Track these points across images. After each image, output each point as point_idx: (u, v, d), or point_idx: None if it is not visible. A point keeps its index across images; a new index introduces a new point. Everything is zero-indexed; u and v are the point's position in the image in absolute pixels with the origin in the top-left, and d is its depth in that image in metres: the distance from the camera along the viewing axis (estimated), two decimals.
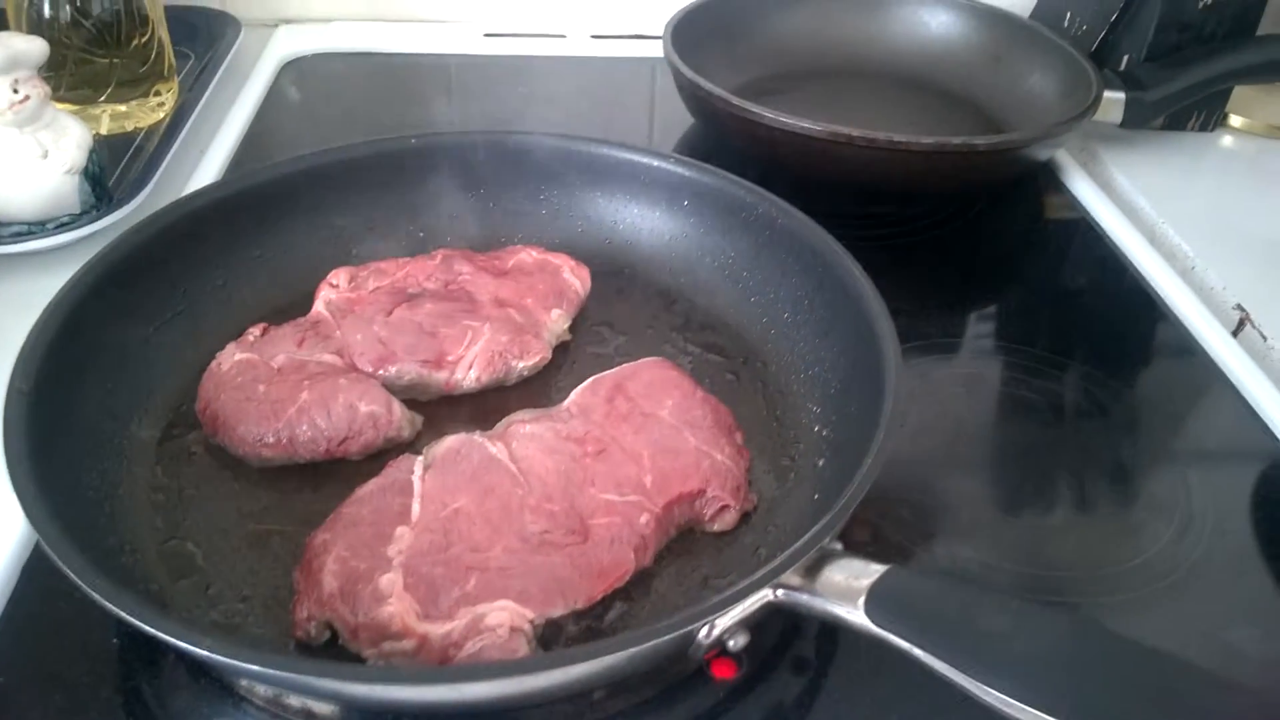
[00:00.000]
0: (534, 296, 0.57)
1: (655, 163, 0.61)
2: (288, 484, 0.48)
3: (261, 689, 0.40)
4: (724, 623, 0.37)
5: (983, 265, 0.71)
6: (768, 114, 0.66)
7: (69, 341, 0.47)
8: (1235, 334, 0.64)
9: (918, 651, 0.34)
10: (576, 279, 0.59)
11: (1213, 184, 0.77)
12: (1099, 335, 0.63)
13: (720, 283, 0.60)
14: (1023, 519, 0.51)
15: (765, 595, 0.38)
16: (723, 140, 0.74)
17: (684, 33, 0.78)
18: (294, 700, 0.40)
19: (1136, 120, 0.77)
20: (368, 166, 0.62)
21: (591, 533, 0.44)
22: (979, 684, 0.32)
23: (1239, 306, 0.64)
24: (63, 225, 0.62)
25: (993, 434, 0.56)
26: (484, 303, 0.56)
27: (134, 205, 0.64)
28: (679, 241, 0.62)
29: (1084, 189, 0.75)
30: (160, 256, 0.54)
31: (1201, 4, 0.77)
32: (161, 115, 0.75)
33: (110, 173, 0.68)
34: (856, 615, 0.36)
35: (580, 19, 0.93)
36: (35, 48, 0.60)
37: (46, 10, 0.69)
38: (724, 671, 0.42)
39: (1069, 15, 0.87)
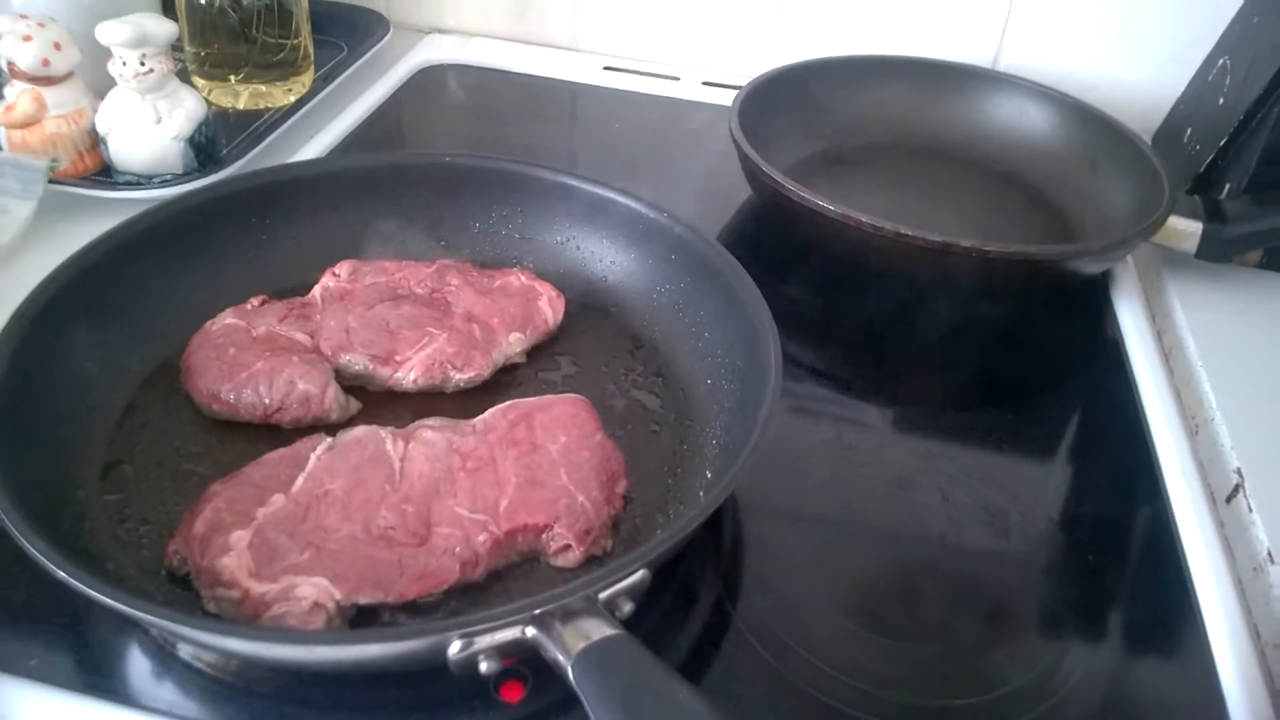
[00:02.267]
0: (501, 317, 0.61)
1: (651, 214, 0.64)
2: (226, 436, 0.56)
3: None
4: (483, 643, 0.41)
5: (1002, 372, 0.69)
6: (784, 183, 0.68)
7: (91, 282, 0.56)
8: (1229, 500, 0.60)
9: None
10: (550, 309, 0.63)
11: (1276, 331, 0.71)
12: (1075, 471, 0.61)
13: (684, 338, 0.63)
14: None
15: (514, 632, 0.40)
16: (770, 214, 0.76)
17: (763, 94, 0.80)
18: None
19: (1213, 254, 0.73)
20: (410, 176, 0.68)
21: (431, 539, 0.48)
22: None
23: (1238, 471, 0.60)
24: (165, 182, 0.73)
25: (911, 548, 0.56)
26: (456, 314, 0.62)
27: (225, 174, 0.74)
28: (661, 293, 0.65)
29: (1129, 313, 0.71)
30: (200, 224, 0.63)
31: None
32: (292, 99, 0.85)
33: (231, 142, 0.79)
34: (567, 672, 0.38)
35: (696, 64, 0.97)
36: (165, 29, 0.71)
37: None
38: (511, 694, 0.46)
39: (1189, 132, 0.82)
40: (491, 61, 0.98)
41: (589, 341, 0.64)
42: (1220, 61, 0.81)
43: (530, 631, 0.40)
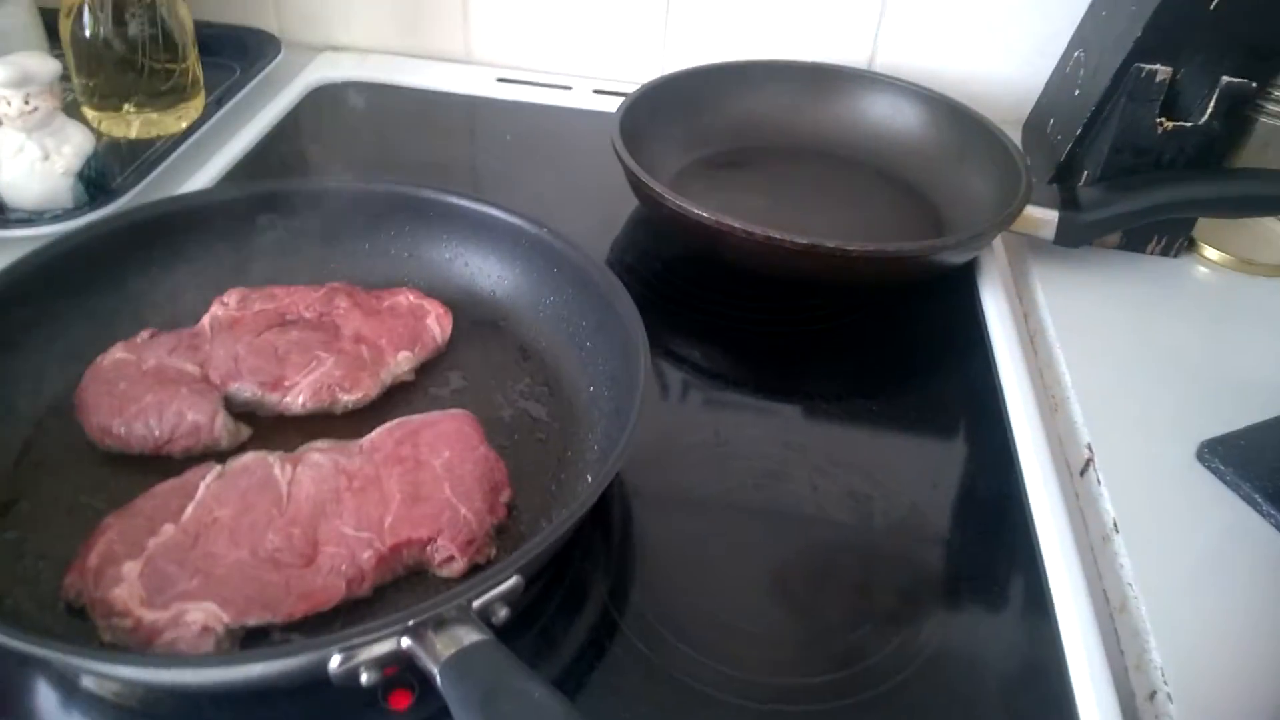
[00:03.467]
0: (389, 337, 0.64)
1: (533, 230, 0.67)
2: (120, 469, 0.57)
3: None
4: (362, 656, 0.43)
5: (872, 362, 0.73)
6: (663, 193, 0.71)
7: None
8: (1083, 473, 0.64)
9: None
10: (438, 326, 0.65)
11: (1136, 312, 0.76)
12: (932, 455, 0.65)
13: (569, 349, 0.65)
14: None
15: (391, 644, 0.43)
16: (654, 221, 0.79)
17: (646, 103, 0.83)
18: None
19: (1070, 240, 0.77)
20: (298, 202, 0.70)
21: (317, 559, 0.50)
22: None
23: (1089, 446, 0.64)
24: (56, 217, 0.74)
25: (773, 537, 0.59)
26: (345, 336, 0.64)
27: (116, 206, 0.75)
28: (546, 306, 0.67)
29: (993, 299, 0.75)
30: (87, 260, 0.64)
31: (1161, 129, 0.76)
32: (184, 126, 0.86)
33: (123, 171, 0.80)
34: (436, 680, 0.41)
35: (587, 72, 1.00)
36: (47, 68, 0.72)
37: (87, 29, 0.80)
38: (399, 702, 0.48)
39: (1051, 123, 0.86)
40: (386, 77, 0.99)
41: (478, 355, 0.66)
42: (1076, 54, 0.85)
43: (405, 642, 0.43)
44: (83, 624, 0.49)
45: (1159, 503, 0.61)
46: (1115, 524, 0.60)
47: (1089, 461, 0.64)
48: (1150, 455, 0.64)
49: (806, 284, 0.73)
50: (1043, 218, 0.76)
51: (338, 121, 0.95)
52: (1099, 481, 0.62)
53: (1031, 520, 0.59)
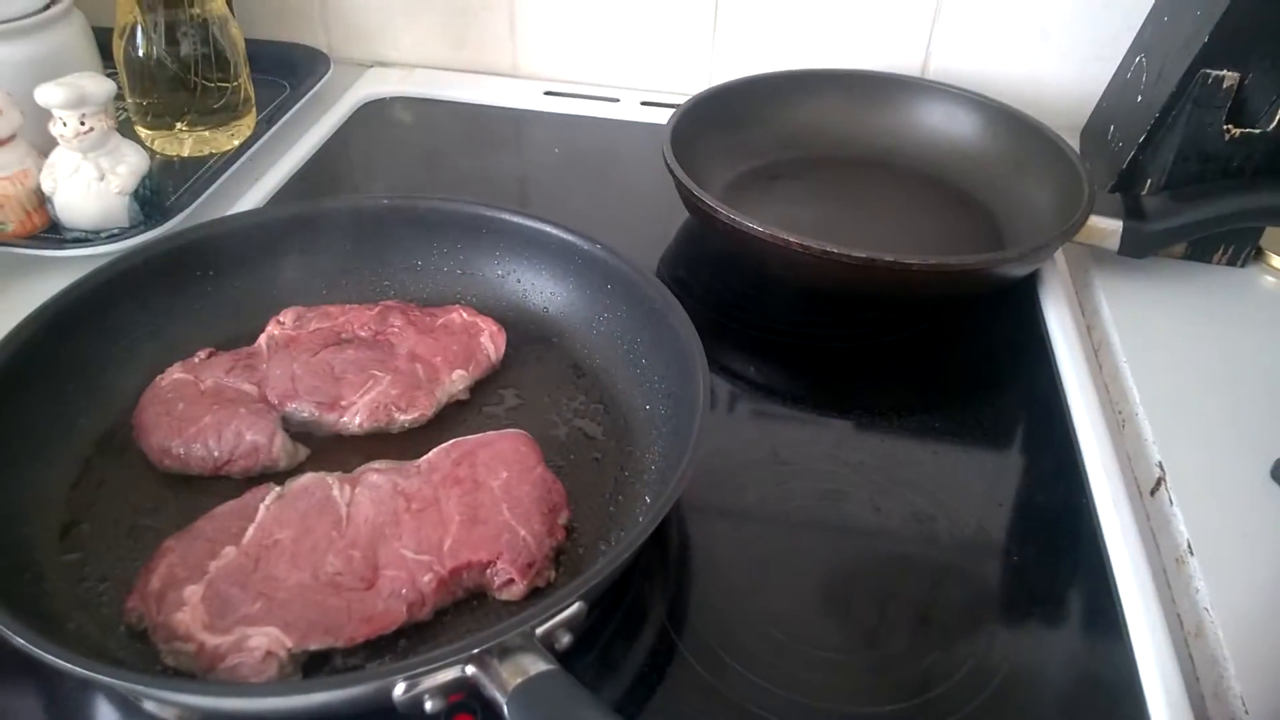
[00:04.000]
0: (444, 355, 0.63)
1: (585, 246, 0.66)
2: (179, 490, 0.57)
3: None
4: (426, 684, 0.43)
5: (932, 377, 0.71)
6: (716, 206, 0.70)
7: (42, 346, 0.58)
8: (1153, 492, 0.62)
9: None
10: (492, 344, 0.65)
11: (1203, 324, 0.74)
12: (997, 472, 0.63)
13: (623, 366, 0.64)
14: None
15: (455, 672, 0.43)
16: (706, 233, 0.78)
17: (696, 115, 0.82)
18: None
19: (1135, 250, 0.75)
20: (351, 220, 0.70)
21: (378, 582, 0.50)
22: None
23: (1160, 464, 0.63)
24: (112, 236, 0.74)
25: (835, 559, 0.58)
26: (400, 355, 0.63)
27: (172, 224, 0.76)
28: (600, 322, 0.67)
29: (1056, 311, 0.74)
30: (145, 280, 0.64)
31: (1228, 135, 0.74)
32: (236, 144, 0.87)
33: (177, 189, 0.81)
34: (504, 709, 0.40)
35: (634, 84, 0.99)
36: (102, 89, 0.72)
37: (140, 49, 0.81)
38: None
39: (1112, 129, 0.85)
40: (434, 92, 1.00)
41: (532, 373, 0.66)
42: (1137, 59, 0.83)
43: (470, 670, 0.42)
44: (144, 647, 0.49)
45: (1234, 523, 0.59)
46: (1189, 545, 0.58)
47: (1160, 480, 0.62)
48: (1223, 473, 0.62)
49: (864, 298, 0.72)
50: (1107, 228, 0.74)
51: (386, 137, 0.95)
52: (1171, 501, 0.60)
53: (1102, 541, 0.58)
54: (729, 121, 0.85)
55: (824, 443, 0.64)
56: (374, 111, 0.97)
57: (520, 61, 1.02)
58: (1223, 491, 0.61)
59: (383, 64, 1.04)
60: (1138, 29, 0.85)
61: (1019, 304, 0.75)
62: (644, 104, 0.98)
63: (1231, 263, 0.79)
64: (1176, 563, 0.58)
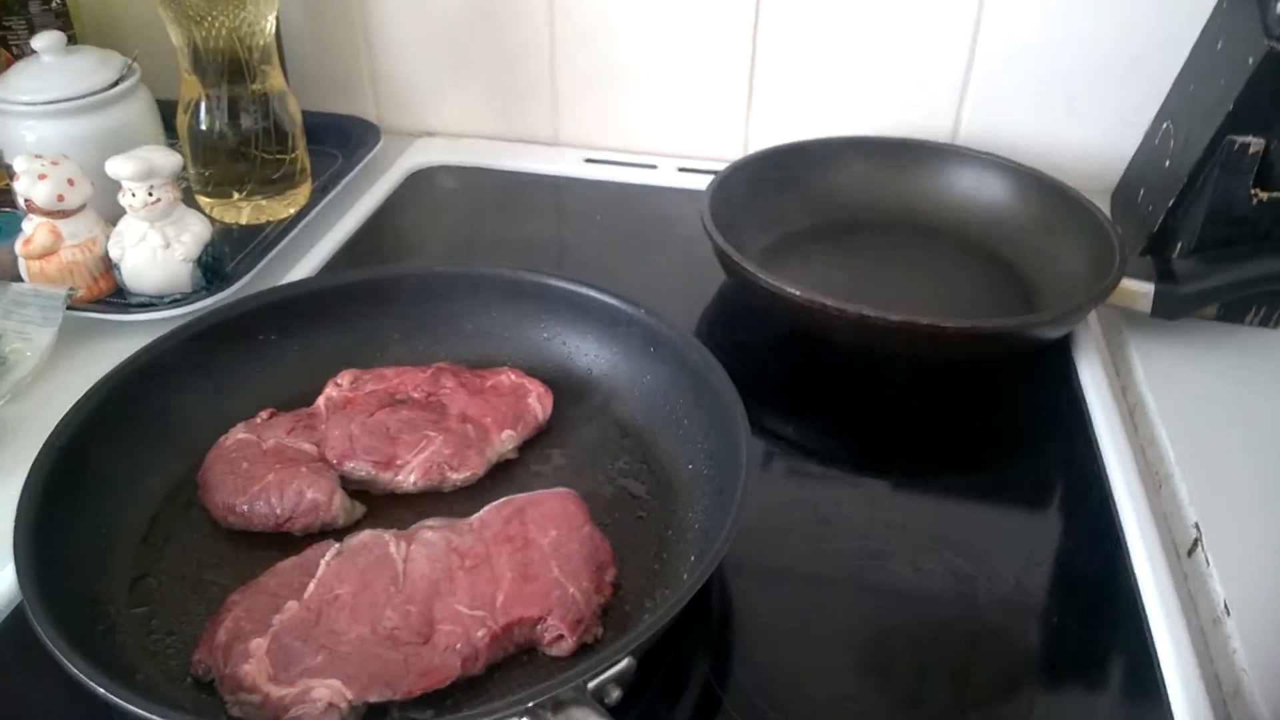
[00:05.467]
0: (494, 416, 0.66)
1: (628, 309, 0.69)
2: (242, 546, 0.60)
3: None
4: None
5: (968, 438, 0.72)
6: (754, 270, 0.72)
7: (114, 406, 0.61)
8: (1190, 553, 0.63)
9: None
10: (539, 405, 0.67)
11: (1238, 385, 0.75)
12: (1034, 532, 0.64)
13: (667, 426, 0.66)
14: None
15: None
16: (744, 296, 0.80)
17: (734, 181, 0.85)
18: None
19: (1168, 312, 0.76)
20: (404, 286, 0.73)
21: (434, 637, 0.52)
22: None
23: (1196, 525, 0.63)
24: (176, 301, 0.78)
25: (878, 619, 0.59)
26: (452, 415, 0.66)
27: (233, 290, 0.79)
28: (643, 383, 0.69)
29: (1090, 372, 0.75)
30: (209, 344, 0.67)
31: (1256, 199, 0.75)
32: (292, 212, 0.90)
33: (235, 256, 0.85)
34: None
35: (672, 151, 1.03)
36: (170, 161, 0.76)
37: (203, 123, 0.85)
38: None
39: (1141, 193, 0.87)
40: (479, 160, 1.03)
41: (578, 433, 0.68)
42: (1164, 125, 0.85)
43: None
44: (210, 698, 0.51)
45: (1270, 584, 0.60)
46: (1226, 606, 0.58)
47: (1196, 541, 0.63)
48: (1259, 534, 0.63)
49: (900, 359, 0.74)
50: (1139, 290, 0.76)
51: (434, 204, 0.99)
52: (1208, 562, 0.61)
53: (1140, 602, 0.58)
54: (766, 187, 0.87)
55: (863, 502, 0.66)
56: (422, 179, 1.01)
57: (561, 130, 1.06)
58: (1259, 552, 0.62)
59: (430, 134, 1.08)
60: (1164, 96, 0.87)
61: (1053, 365, 0.77)
62: (681, 170, 1.01)
63: (1264, 324, 0.81)
64: (1214, 623, 0.59)
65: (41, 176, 0.75)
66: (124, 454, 0.61)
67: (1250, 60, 0.71)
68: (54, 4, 0.96)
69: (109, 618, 0.54)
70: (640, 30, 0.98)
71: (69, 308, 0.75)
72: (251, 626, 0.52)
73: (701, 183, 0.85)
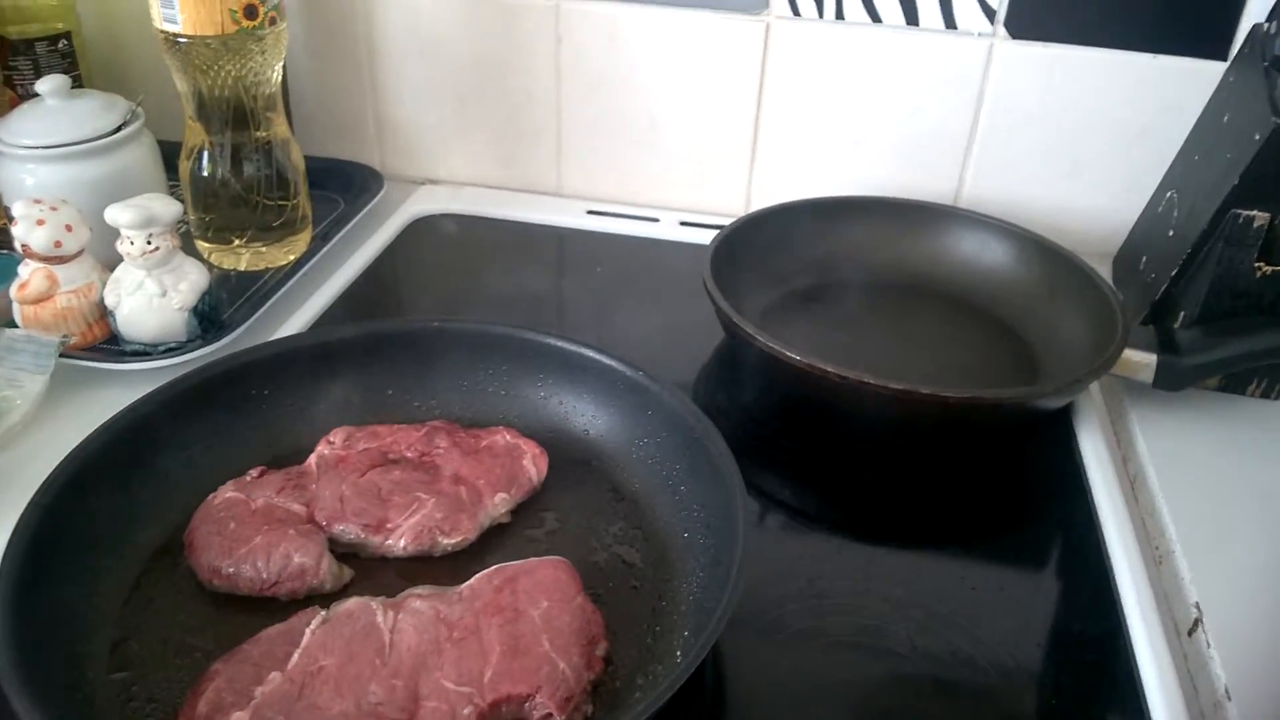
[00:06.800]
0: (488, 478, 0.65)
1: (627, 372, 0.68)
2: (227, 610, 0.58)
3: None
4: None
5: (967, 506, 0.72)
6: (754, 334, 0.72)
7: (102, 464, 0.60)
8: (1190, 633, 0.62)
9: None
10: (534, 467, 0.66)
11: (1240, 458, 0.74)
12: (1034, 609, 0.63)
13: (662, 492, 0.66)
14: None
15: None
16: (743, 356, 0.80)
17: (736, 240, 0.85)
18: None
19: (1169, 384, 0.76)
20: (401, 342, 0.72)
21: (419, 713, 0.51)
22: None
23: (1197, 605, 0.62)
24: (171, 350, 0.77)
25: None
26: (445, 477, 0.65)
27: (229, 340, 0.78)
28: (640, 447, 0.68)
29: (1091, 443, 0.74)
30: (201, 398, 0.66)
31: (1259, 273, 0.75)
32: (292, 259, 0.90)
33: (233, 302, 0.84)
34: None
35: (673, 205, 1.03)
36: (170, 210, 0.76)
37: (205, 170, 0.85)
38: None
39: (1144, 260, 0.86)
40: (481, 210, 1.03)
41: (572, 497, 0.67)
42: (1168, 195, 0.85)
43: None
44: None
45: (1272, 668, 0.59)
46: (1227, 691, 0.57)
47: (1197, 621, 0.62)
48: (1261, 615, 0.62)
49: (897, 427, 0.73)
50: (1141, 360, 0.75)
51: (436, 253, 0.99)
52: (1209, 644, 0.60)
53: (1140, 683, 0.57)
54: (767, 246, 0.87)
55: (860, 573, 0.65)
56: (424, 227, 1.01)
57: (564, 181, 1.05)
58: (1260, 634, 0.61)
59: (434, 181, 1.08)
60: (1168, 164, 0.87)
61: (1054, 433, 0.76)
62: (683, 224, 1.01)
63: (1266, 395, 0.80)
64: (1214, 707, 0.58)
65: (40, 222, 0.75)
66: (110, 511, 0.60)
67: (1257, 136, 0.71)
68: (60, 46, 0.96)
69: (88, 684, 0.53)
70: (646, 84, 0.99)
71: (62, 355, 0.75)
72: (233, 698, 0.51)
73: (703, 237, 0.85)
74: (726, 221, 0.86)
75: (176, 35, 0.79)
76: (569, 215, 1.03)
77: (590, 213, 1.03)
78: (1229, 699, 0.57)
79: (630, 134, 1.01)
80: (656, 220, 1.02)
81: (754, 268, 0.86)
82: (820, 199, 0.92)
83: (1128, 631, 0.61)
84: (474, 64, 1.01)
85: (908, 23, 0.92)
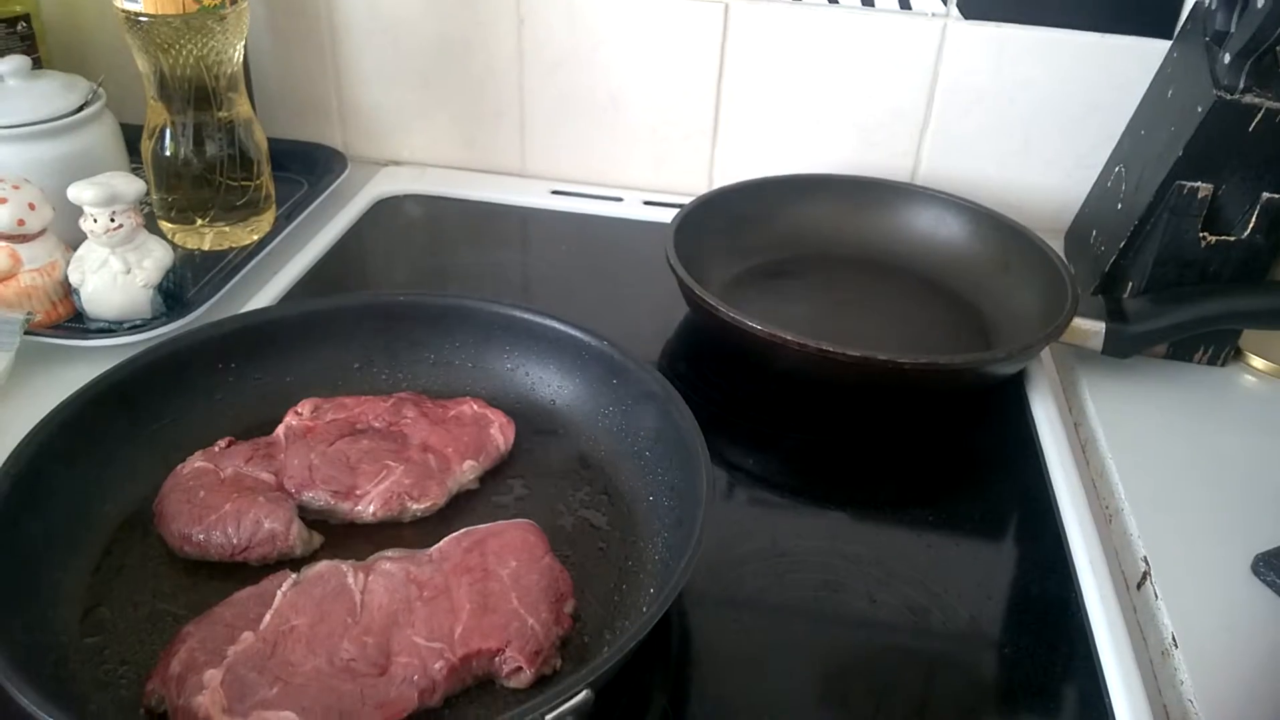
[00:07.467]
0: (455, 446, 0.66)
1: (593, 342, 0.69)
2: (198, 576, 0.59)
3: None
4: None
5: (924, 471, 0.73)
6: (716, 304, 0.73)
7: (71, 434, 0.60)
8: (1139, 586, 0.64)
9: None
10: (501, 436, 0.67)
11: (1186, 422, 0.76)
12: (988, 565, 0.65)
13: (628, 458, 0.67)
14: None
15: None
16: (707, 329, 0.81)
17: (698, 216, 0.86)
18: None
19: (1118, 350, 0.78)
20: (367, 315, 0.73)
21: (390, 669, 0.52)
22: None
23: (1145, 559, 0.65)
24: (135, 327, 0.77)
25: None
26: (413, 446, 0.66)
27: (193, 317, 0.79)
28: (605, 415, 0.69)
29: (1043, 407, 0.76)
30: (169, 371, 0.67)
31: (1204, 243, 0.78)
32: (256, 239, 0.90)
33: (197, 282, 0.84)
34: None
35: (637, 184, 1.04)
36: (133, 188, 0.76)
37: (168, 150, 0.85)
38: None
39: (1094, 234, 0.89)
40: (446, 190, 1.04)
41: (539, 464, 0.68)
42: (1116, 169, 0.88)
43: None
44: None
45: (1216, 617, 0.61)
46: (1174, 638, 0.60)
47: (1145, 574, 0.64)
48: (1206, 568, 0.64)
49: (856, 394, 0.75)
50: (1090, 329, 0.77)
51: (400, 233, 0.99)
52: (1156, 595, 0.62)
53: (1091, 634, 0.60)
54: (729, 222, 0.89)
55: (821, 535, 0.66)
56: (388, 208, 1.01)
57: (528, 162, 1.06)
58: (1206, 586, 0.63)
59: (397, 163, 1.09)
60: (1117, 140, 0.90)
61: (1008, 399, 0.78)
62: (646, 203, 1.02)
63: (1212, 362, 0.83)
64: (1162, 655, 0.60)
65: (2, 201, 0.75)
66: (80, 482, 0.60)
67: (1199, 109, 0.73)
68: (20, 27, 0.95)
69: (61, 648, 0.54)
70: (608, 64, 1.00)
71: (27, 332, 0.75)
72: (206, 658, 0.51)
73: (666, 216, 0.86)
74: (690, 201, 0.88)
75: (138, 14, 0.79)
76: (533, 195, 1.04)
77: (554, 193, 1.04)
78: (1176, 647, 0.59)
79: (593, 114, 1.03)
80: (620, 200, 1.03)
81: (716, 244, 0.87)
82: (781, 177, 0.93)
83: (1079, 585, 0.63)
84: (436, 45, 1.02)
85: (864, 4, 0.94)
